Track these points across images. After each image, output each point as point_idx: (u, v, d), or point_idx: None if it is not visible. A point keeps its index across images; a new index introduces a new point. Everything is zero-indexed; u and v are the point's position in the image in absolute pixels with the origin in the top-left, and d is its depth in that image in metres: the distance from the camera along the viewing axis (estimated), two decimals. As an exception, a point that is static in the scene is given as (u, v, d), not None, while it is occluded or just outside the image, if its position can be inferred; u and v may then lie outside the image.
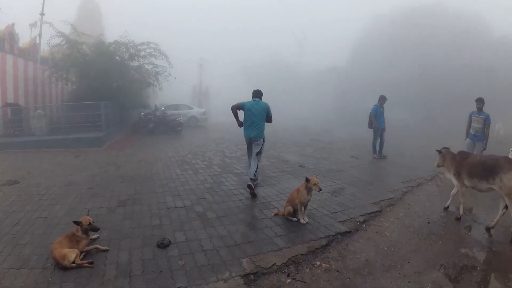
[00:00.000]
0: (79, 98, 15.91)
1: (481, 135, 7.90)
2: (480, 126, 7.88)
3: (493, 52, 25.56)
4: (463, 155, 5.82)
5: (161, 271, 3.91)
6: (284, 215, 5.60)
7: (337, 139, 16.32)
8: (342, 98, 34.14)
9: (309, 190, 5.27)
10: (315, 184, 5.19)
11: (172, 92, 28.27)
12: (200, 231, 5.14)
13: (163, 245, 4.50)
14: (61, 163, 10.01)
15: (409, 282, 3.89)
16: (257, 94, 7.50)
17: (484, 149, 7.86)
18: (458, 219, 5.60)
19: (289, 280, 3.97)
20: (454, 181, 5.90)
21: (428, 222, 5.56)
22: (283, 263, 4.29)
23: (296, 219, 5.48)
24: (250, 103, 7.27)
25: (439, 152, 6.22)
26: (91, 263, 4.05)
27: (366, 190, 7.18)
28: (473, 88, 15.61)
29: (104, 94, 15.90)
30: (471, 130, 8.11)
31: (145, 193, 6.93)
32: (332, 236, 5.01)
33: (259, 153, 7.24)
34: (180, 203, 6.40)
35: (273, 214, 5.78)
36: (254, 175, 6.99)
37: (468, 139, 8.20)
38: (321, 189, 5.24)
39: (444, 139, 13.08)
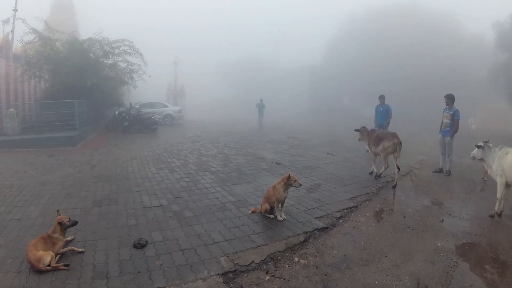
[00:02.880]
0: (53, 96, 15.34)
1: (449, 130, 8.14)
2: (449, 121, 8.12)
3: (465, 50, 26.51)
4: (371, 132, 8.15)
5: (139, 272, 3.82)
6: (261, 212, 5.55)
7: (312, 136, 16.48)
8: (318, 95, 34.51)
9: (285, 187, 5.24)
10: (295, 180, 5.18)
11: (147, 90, 27.85)
12: (177, 230, 5.04)
13: (140, 245, 4.40)
14: (34, 163, 9.67)
15: (387, 275, 3.93)
16: None
17: (450, 142, 8.10)
18: (373, 174, 7.99)
19: (268, 277, 3.93)
20: (368, 148, 8.22)
21: (404, 216, 5.65)
22: (261, 260, 4.25)
23: (273, 216, 5.44)
24: None
25: (358, 130, 8.46)
26: (66, 265, 3.92)
27: (342, 186, 7.24)
28: (447, 85, 16.12)
29: (78, 92, 15.46)
30: (442, 126, 8.33)
31: (121, 192, 6.78)
32: (310, 232, 5.00)
33: None
34: (157, 202, 6.26)
35: (250, 211, 5.73)
36: None
37: (440, 135, 8.44)
38: (300, 185, 5.31)
39: (417, 135, 13.48)
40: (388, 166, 7.65)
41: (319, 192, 6.80)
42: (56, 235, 4.17)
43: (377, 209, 5.99)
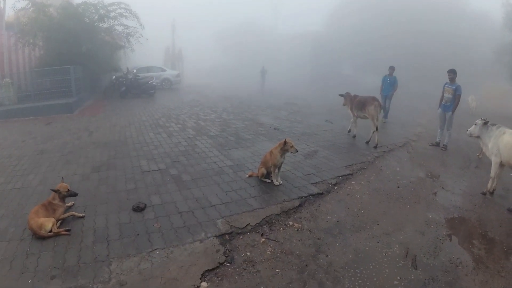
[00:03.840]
0: (48, 63, 14.82)
1: (451, 105, 8.07)
2: (451, 96, 8.03)
3: (470, 27, 25.82)
4: (353, 97, 8.68)
5: (138, 235, 3.93)
6: (258, 176, 5.63)
7: (311, 103, 16.37)
8: (318, 63, 33.92)
9: (282, 152, 5.29)
10: (292, 146, 5.21)
11: (144, 54, 27.17)
12: (176, 193, 5.14)
13: (139, 209, 4.50)
14: (31, 132, 9.53)
15: (377, 242, 4.07)
16: None
17: (450, 118, 8.11)
18: (349, 133, 8.92)
19: (263, 239, 4.06)
20: (350, 112, 8.82)
21: (398, 187, 5.76)
22: (257, 223, 4.37)
23: (269, 181, 5.54)
24: None
25: (342, 95, 9.16)
26: (68, 230, 4.01)
27: (339, 153, 7.32)
28: (449, 61, 15.89)
29: (74, 58, 14.98)
30: (443, 100, 8.27)
31: (119, 158, 6.83)
32: (305, 197, 5.11)
33: None
34: (155, 166, 6.32)
35: (247, 175, 5.81)
36: None
37: (439, 109, 8.38)
38: (297, 151, 5.33)
39: (417, 108, 13.46)
40: (377, 129, 8.00)
41: (316, 159, 6.88)
42: (56, 201, 4.21)
43: (372, 178, 6.09)
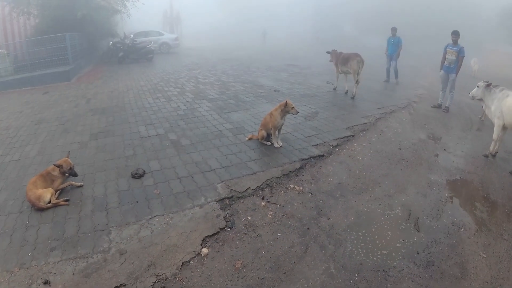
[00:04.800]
0: (44, 32, 14.21)
1: (454, 67, 7.87)
2: (454, 58, 7.82)
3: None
4: (339, 54, 9.30)
5: (137, 202, 3.89)
6: (258, 139, 5.53)
7: (312, 64, 15.95)
8: (319, 24, 32.88)
9: (282, 114, 5.15)
10: (292, 107, 5.06)
11: (142, 18, 26.37)
12: (175, 158, 5.05)
13: (137, 175, 4.43)
14: (29, 102, 9.29)
15: (380, 204, 4.03)
16: None
17: (454, 79, 7.92)
18: (335, 88, 9.63)
19: (264, 203, 4.02)
20: (335, 68, 9.45)
21: (400, 148, 5.67)
22: (257, 186, 4.31)
23: (270, 143, 5.44)
24: None
25: (329, 52, 9.76)
26: (67, 200, 3.96)
27: (340, 115, 7.17)
28: (452, 23, 15.27)
29: (69, 25, 14.43)
30: (445, 62, 8.06)
31: (117, 124, 6.69)
32: (306, 159, 5.03)
33: None
34: (153, 131, 6.20)
35: (247, 138, 5.71)
36: None
37: (442, 71, 8.19)
38: (298, 112, 5.20)
39: (419, 69, 13.11)
40: (357, 82, 8.72)
41: (317, 120, 6.74)
42: (56, 173, 4.14)
43: (373, 139, 5.98)
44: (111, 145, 5.59)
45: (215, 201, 3.98)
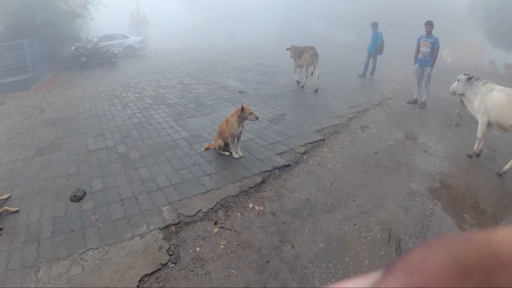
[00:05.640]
0: (1, 39, 13.33)
1: (429, 59, 7.44)
2: (428, 50, 7.39)
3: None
4: (296, 48, 9.35)
5: (72, 231, 3.32)
6: (215, 149, 4.82)
7: (280, 61, 15.35)
8: (288, 21, 32.58)
9: (240, 120, 4.46)
10: (251, 113, 4.37)
11: (108, 22, 25.25)
12: (120, 176, 4.38)
13: (76, 198, 3.88)
14: None
15: (354, 225, 3.40)
16: None
17: (429, 73, 7.51)
18: (298, 83, 9.57)
19: (216, 229, 3.35)
20: (294, 62, 9.51)
21: (376, 152, 5.09)
22: (210, 208, 3.64)
23: (228, 153, 4.78)
24: None
25: (288, 49, 9.93)
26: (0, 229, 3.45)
27: (308, 116, 6.55)
28: (422, 13, 15.07)
29: (29, 31, 13.52)
30: (419, 55, 7.61)
31: (67, 136, 6.03)
32: (269, 171, 4.38)
33: None
34: (102, 144, 5.49)
35: (203, 148, 5.02)
36: None
37: (416, 65, 7.74)
38: (257, 118, 4.47)
39: (391, 63, 12.72)
40: (308, 76, 8.96)
41: (283, 124, 6.11)
42: None
43: (346, 142, 5.38)
44: (55, 161, 4.94)
45: (158, 229, 3.32)
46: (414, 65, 7.83)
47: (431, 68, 7.45)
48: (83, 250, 3.02)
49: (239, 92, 8.75)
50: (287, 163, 4.57)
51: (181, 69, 13.82)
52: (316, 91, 8.59)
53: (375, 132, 5.95)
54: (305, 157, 4.83)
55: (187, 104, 7.64)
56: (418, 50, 7.61)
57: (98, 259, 2.91)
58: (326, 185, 4.10)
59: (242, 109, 4.38)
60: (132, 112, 7.26)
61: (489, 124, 4.68)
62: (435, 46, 7.30)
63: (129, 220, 3.44)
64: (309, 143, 5.23)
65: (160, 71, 13.57)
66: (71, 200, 3.83)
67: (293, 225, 3.39)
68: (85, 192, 3.96)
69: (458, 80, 5.08)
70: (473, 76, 4.92)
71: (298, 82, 9.58)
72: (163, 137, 5.64)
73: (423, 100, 7.62)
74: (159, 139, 5.56)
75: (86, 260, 2.91)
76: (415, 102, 7.81)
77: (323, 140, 5.40)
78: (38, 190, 4.13)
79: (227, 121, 4.56)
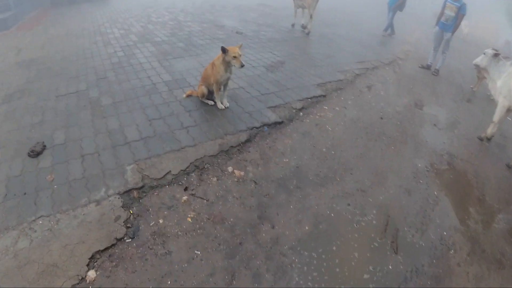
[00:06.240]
0: None
1: (451, 24, 6.53)
2: (453, 14, 6.46)
3: None
4: None
5: (25, 193, 2.89)
6: (198, 96, 4.17)
7: (287, 6, 13.91)
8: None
9: (226, 65, 3.72)
10: (234, 57, 3.59)
11: None
12: (86, 125, 3.84)
13: (34, 153, 3.39)
14: None
15: (348, 205, 2.87)
16: None
17: (449, 39, 6.64)
18: (292, 25, 9.01)
19: (186, 196, 2.84)
20: (292, 3, 8.81)
21: (381, 118, 4.42)
22: (181, 170, 3.11)
23: (212, 103, 4.17)
24: None
25: None
26: None
27: (311, 67, 5.78)
28: None
29: None
30: (442, 18, 6.67)
31: (39, 79, 5.35)
32: (256, 128, 3.78)
33: None
34: (74, 87, 4.86)
35: (184, 95, 4.38)
36: None
37: (437, 27, 6.82)
38: (242, 65, 3.62)
39: (406, 24, 11.43)
40: (311, 17, 8.02)
41: (281, 73, 5.37)
42: None
43: (350, 102, 4.69)
44: (21, 109, 4.38)
45: (118, 194, 2.84)
46: (434, 27, 6.93)
47: (452, 35, 6.58)
48: (33, 218, 2.63)
49: (236, 32, 7.81)
50: (280, 120, 3.95)
51: (176, 5, 12.55)
52: (308, 33, 8.08)
53: (382, 94, 5.20)
54: (301, 114, 4.18)
55: (175, 43, 6.80)
56: (442, 12, 6.69)
57: (48, 229, 2.53)
58: (322, 152, 3.51)
59: (224, 50, 3.61)
60: (114, 50, 6.49)
61: (509, 109, 4.02)
62: (461, 12, 6.40)
63: (87, 181, 2.97)
64: (308, 98, 4.55)
65: (153, 6, 12.35)
66: (29, 155, 3.36)
67: (277, 198, 2.85)
68: (44, 146, 3.48)
69: (484, 54, 4.42)
70: (500, 54, 4.32)
71: (293, 25, 9.02)
72: (142, 80, 4.96)
73: (437, 67, 6.84)
74: (137, 82, 4.89)
75: (35, 231, 2.52)
76: (428, 67, 7.02)
77: (324, 96, 4.71)
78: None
79: (212, 64, 3.85)
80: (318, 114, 4.24)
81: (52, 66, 5.87)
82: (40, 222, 2.59)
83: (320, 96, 4.66)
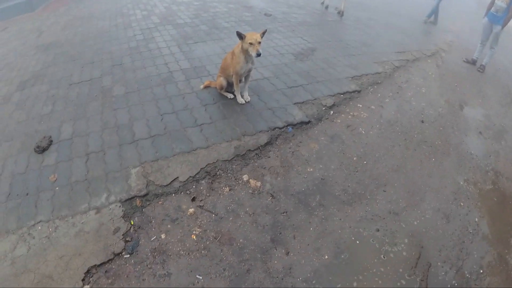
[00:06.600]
0: None
1: (502, 16, 5.75)
2: (504, 6, 5.68)
3: None
4: None
5: (27, 194, 2.74)
6: (216, 88, 3.81)
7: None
8: None
9: (248, 54, 3.27)
10: (251, 43, 3.12)
11: None
12: (95, 118, 3.62)
13: (40, 149, 3.22)
14: None
15: (377, 230, 2.45)
16: None
17: (498, 32, 5.86)
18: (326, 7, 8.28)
19: (192, 209, 2.53)
20: None
21: (422, 121, 3.87)
22: (190, 176, 2.79)
23: (232, 96, 3.78)
24: None
25: None
26: None
27: (345, 56, 5.22)
28: None
29: None
30: (492, 8, 5.88)
31: (54, 65, 5.15)
32: (279, 129, 3.36)
33: None
34: (87, 75, 4.64)
35: (201, 86, 4.00)
36: None
37: (485, 18, 6.04)
38: (259, 54, 3.12)
39: (448, 11, 10.36)
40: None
41: (311, 61, 4.87)
42: None
43: (387, 100, 4.15)
44: (33, 98, 4.21)
45: (120, 201, 2.60)
46: (483, 18, 6.15)
47: (502, 28, 5.80)
48: (33, 223, 2.49)
49: (264, 14, 7.26)
50: (307, 119, 3.51)
51: None
52: (341, 14, 7.57)
53: (424, 92, 4.58)
54: (331, 112, 3.72)
55: (198, 26, 6.39)
56: (492, 2, 5.90)
57: (46, 236, 2.39)
58: (352, 161, 3.07)
59: (240, 36, 3.16)
60: (133, 33, 6.18)
61: None
62: None
63: (89, 184, 2.76)
64: (340, 94, 4.05)
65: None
66: (35, 151, 3.20)
67: (295, 217, 2.48)
68: (51, 141, 3.30)
69: None
70: None
71: (324, 6, 8.31)
72: (158, 67, 4.64)
73: (483, 63, 6.08)
74: (153, 69, 4.58)
75: (34, 237, 2.39)
76: (473, 62, 6.27)
77: (359, 91, 4.19)
78: (7, 136, 3.52)
79: (232, 53, 3.44)
80: (351, 113, 3.76)
81: (69, 51, 5.69)
82: (39, 227, 2.44)
83: (354, 91, 4.15)
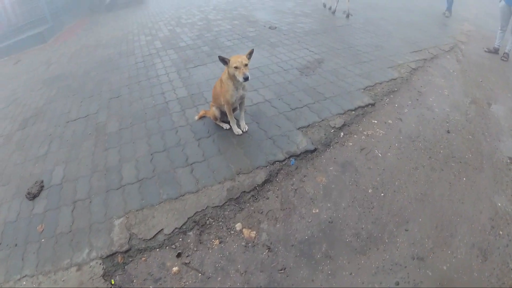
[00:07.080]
0: None
1: None
2: None
3: None
4: None
5: (16, 245, 2.65)
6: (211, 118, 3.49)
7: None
8: None
9: (235, 80, 2.91)
10: (236, 67, 2.78)
11: None
12: (86, 160, 3.42)
13: (30, 196, 3.13)
14: None
15: (397, 284, 1.98)
16: None
17: None
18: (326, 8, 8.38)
19: (176, 268, 2.17)
20: None
21: (448, 131, 3.34)
22: (176, 228, 2.44)
23: (228, 127, 3.42)
24: None
25: None
26: None
27: (355, 64, 4.75)
28: None
29: None
30: None
31: (55, 100, 5.14)
32: (280, 162, 2.92)
33: None
34: (85, 111, 4.53)
35: (196, 117, 3.69)
36: None
37: (503, 2, 5.45)
38: (246, 79, 2.76)
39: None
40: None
41: (318, 75, 4.44)
42: None
43: (406, 110, 3.64)
44: (32, 137, 4.17)
45: (100, 258, 2.33)
46: (500, 1, 5.54)
47: None
48: (18, 277, 2.36)
49: (269, 28, 6.89)
50: (312, 147, 3.07)
51: (207, 4, 11.74)
52: (348, 16, 7.36)
53: (446, 94, 4.02)
54: (341, 134, 3.26)
55: (200, 47, 6.12)
56: None
57: None
58: (367, 194, 2.59)
59: (224, 61, 2.85)
60: (135, 61, 6.05)
61: None
62: None
63: (73, 236, 2.54)
64: (351, 110, 3.58)
65: (186, 6, 11.68)
66: (26, 197, 3.11)
67: (295, 275, 2.06)
68: (42, 187, 3.18)
69: None
70: None
71: (332, 11, 8.00)
72: (155, 97, 4.40)
73: (506, 51, 5.46)
74: (149, 100, 4.36)
75: None
76: (495, 51, 5.64)
77: (373, 105, 3.69)
78: (4, 179, 3.46)
79: (220, 80, 3.10)
80: (365, 132, 3.28)
81: (72, 84, 5.69)
82: (24, 283, 2.32)
83: (367, 105, 3.67)
